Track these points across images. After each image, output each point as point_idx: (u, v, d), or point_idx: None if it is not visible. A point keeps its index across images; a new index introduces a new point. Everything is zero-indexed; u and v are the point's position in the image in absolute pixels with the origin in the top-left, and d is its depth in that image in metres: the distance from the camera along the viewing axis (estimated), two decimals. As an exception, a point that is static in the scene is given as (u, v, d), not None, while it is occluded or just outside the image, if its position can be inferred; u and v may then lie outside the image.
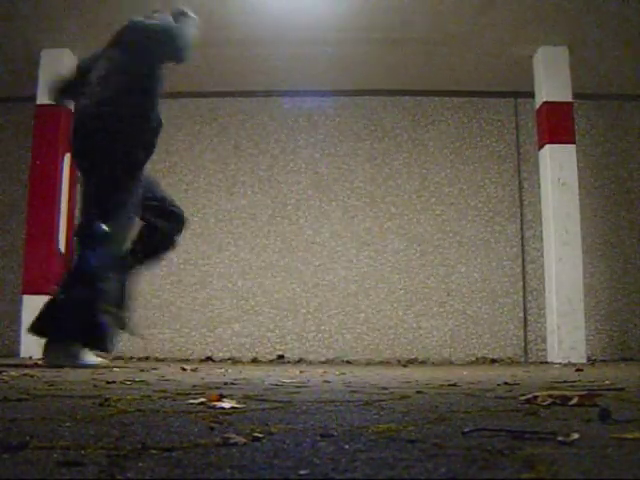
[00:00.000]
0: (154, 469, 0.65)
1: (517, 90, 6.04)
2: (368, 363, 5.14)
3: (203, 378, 2.39)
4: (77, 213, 3.51)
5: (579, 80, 5.49)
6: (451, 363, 5.26)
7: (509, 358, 5.70)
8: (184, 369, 3.13)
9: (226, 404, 1.29)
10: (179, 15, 3.56)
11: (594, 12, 4.83)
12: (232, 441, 0.82)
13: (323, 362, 5.02)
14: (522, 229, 5.94)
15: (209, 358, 5.49)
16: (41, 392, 1.60)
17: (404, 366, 4.38)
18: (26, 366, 3.11)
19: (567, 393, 1.37)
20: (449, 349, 5.77)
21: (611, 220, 5.95)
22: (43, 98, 5.39)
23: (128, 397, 1.48)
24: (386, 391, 1.77)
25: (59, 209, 5.34)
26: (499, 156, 6.08)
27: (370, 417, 1.14)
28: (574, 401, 1.31)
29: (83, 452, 0.75)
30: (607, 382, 2.17)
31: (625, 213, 5.97)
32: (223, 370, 3.22)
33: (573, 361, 4.89)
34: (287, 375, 2.69)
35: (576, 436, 0.85)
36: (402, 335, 5.80)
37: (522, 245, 5.92)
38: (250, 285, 5.91)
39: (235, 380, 2.26)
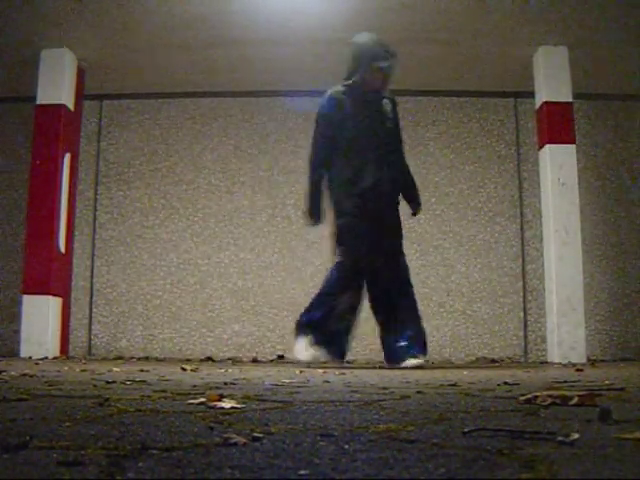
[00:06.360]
0: (154, 469, 0.65)
1: (517, 90, 6.04)
2: (368, 363, 5.13)
3: (203, 378, 2.38)
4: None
5: (579, 80, 5.48)
6: (451, 363, 5.26)
7: (509, 358, 5.70)
8: (184, 369, 3.12)
9: (226, 404, 1.28)
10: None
11: (594, 12, 4.83)
12: (232, 441, 0.82)
13: (323, 362, 5.01)
14: (522, 229, 5.94)
15: (209, 358, 5.49)
16: (41, 392, 1.60)
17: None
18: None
19: (567, 393, 1.37)
20: (449, 349, 5.77)
21: (611, 220, 5.94)
22: (43, 98, 5.40)
23: (128, 397, 1.48)
24: (386, 391, 1.77)
25: (59, 209, 5.34)
26: (499, 156, 6.08)
27: (370, 417, 1.13)
28: (574, 401, 1.31)
29: (83, 452, 0.74)
30: (607, 382, 2.17)
31: (625, 213, 5.96)
32: (223, 370, 3.22)
33: (573, 361, 4.89)
34: (287, 375, 2.69)
35: (576, 436, 0.85)
36: (402, 335, 5.79)
37: (522, 245, 5.92)
38: (250, 285, 5.91)
39: (235, 380, 2.26)
